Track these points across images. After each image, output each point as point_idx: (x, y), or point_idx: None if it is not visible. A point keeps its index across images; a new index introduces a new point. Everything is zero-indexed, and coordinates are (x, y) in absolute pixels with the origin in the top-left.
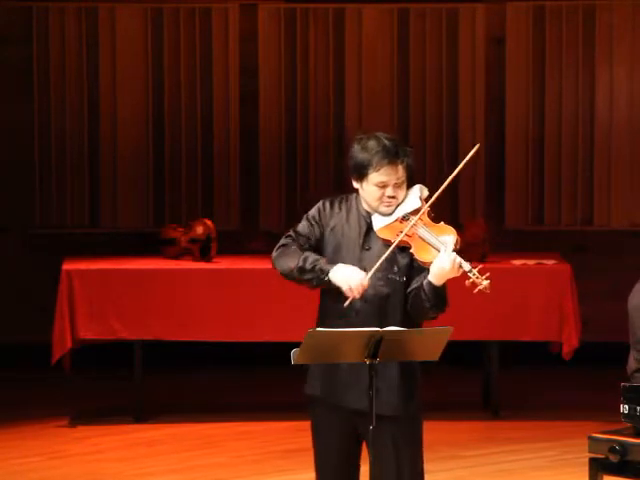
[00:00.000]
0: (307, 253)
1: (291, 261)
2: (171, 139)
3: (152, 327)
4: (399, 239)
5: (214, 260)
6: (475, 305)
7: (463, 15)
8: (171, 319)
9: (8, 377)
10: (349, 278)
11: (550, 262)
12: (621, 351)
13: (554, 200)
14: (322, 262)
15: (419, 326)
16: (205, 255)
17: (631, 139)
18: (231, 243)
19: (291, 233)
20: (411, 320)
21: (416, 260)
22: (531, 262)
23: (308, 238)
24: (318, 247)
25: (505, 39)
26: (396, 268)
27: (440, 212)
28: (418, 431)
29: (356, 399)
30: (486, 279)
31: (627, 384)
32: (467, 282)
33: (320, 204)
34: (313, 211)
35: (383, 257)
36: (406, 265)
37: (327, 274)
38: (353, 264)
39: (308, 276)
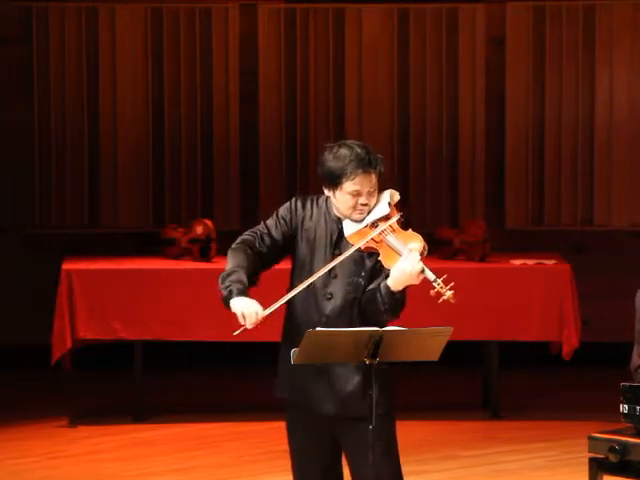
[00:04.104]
0: (239, 271)
1: (228, 264)
2: (171, 139)
3: (152, 327)
4: (361, 243)
5: (214, 260)
6: (475, 305)
7: (463, 15)
8: (171, 319)
9: (8, 377)
10: (244, 307)
11: (550, 262)
12: (621, 351)
13: (554, 200)
14: (237, 287)
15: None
16: (205, 255)
17: (631, 139)
18: (231, 243)
19: (258, 228)
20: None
21: (382, 267)
22: (531, 262)
23: (270, 235)
24: (284, 245)
25: (505, 39)
26: (363, 272)
27: (440, 212)
28: (390, 427)
29: (329, 405)
30: (450, 289)
31: (627, 384)
32: (432, 292)
33: (291, 203)
34: (283, 210)
35: (329, 265)
36: (371, 268)
37: (230, 297)
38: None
39: (221, 288)
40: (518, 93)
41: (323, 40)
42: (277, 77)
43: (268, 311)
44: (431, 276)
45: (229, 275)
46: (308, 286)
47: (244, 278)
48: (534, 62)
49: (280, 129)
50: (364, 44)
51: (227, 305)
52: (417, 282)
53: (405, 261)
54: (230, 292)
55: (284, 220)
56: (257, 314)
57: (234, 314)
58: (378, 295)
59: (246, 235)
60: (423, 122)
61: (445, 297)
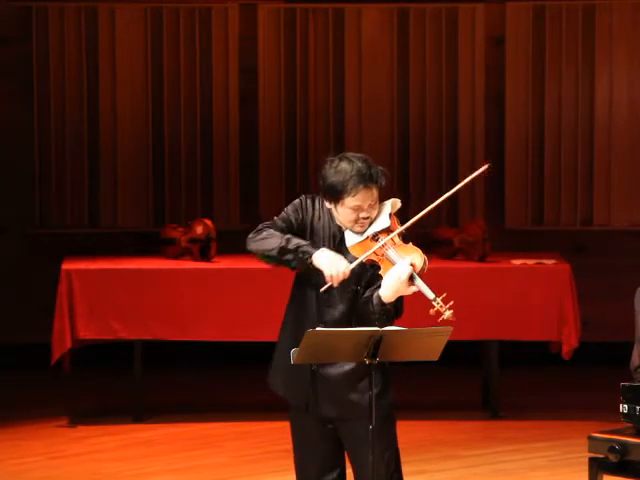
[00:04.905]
0: (290, 235)
1: (271, 242)
2: (171, 139)
3: (152, 327)
4: (363, 257)
5: (214, 260)
6: (475, 305)
7: (463, 15)
8: (171, 319)
9: (8, 377)
10: (334, 264)
11: (550, 262)
12: (621, 351)
13: (554, 200)
14: (305, 244)
15: None
16: (205, 255)
17: (631, 139)
18: (231, 243)
19: (273, 220)
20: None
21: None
22: (531, 262)
23: (287, 225)
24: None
25: (505, 39)
26: (363, 282)
27: (440, 212)
28: (390, 427)
29: (329, 407)
30: (449, 309)
31: (627, 384)
32: (431, 311)
33: (302, 201)
34: (294, 206)
35: (361, 258)
36: (370, 278)
37: (310, 256)
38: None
39: (289, 256)
40: (518, 93)
41: (323, 40)
42: (277, 77)
43: (352, 265)
44: (430, 295)
45: (288, 242)
46: (311, 292)
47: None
48: (534, 62)
49: (280, 129)
50: (364, 44)
51: (304, 265)
52: (407, 292)
53: (395, 268)
54: (305, 252)
55: (296, 214)
56: (345, 273)
57: (235, 313)
58: (370, 305)
59: (260, 226)
60: (423, 122)
61: (444, 317)
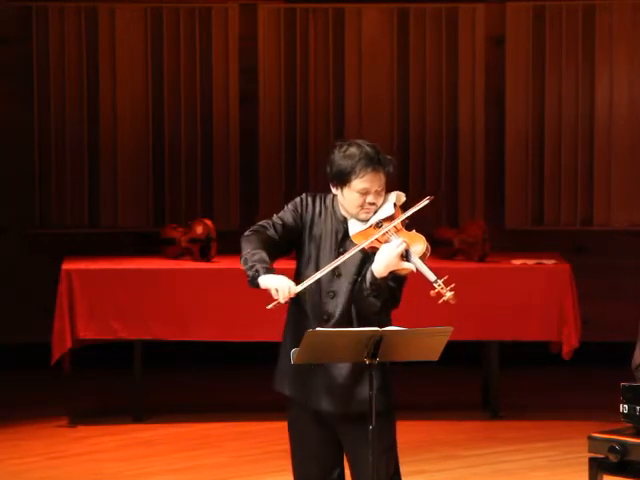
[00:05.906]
0: (261, 251)
1: (247, 247)
2: (171, 139)
3: (152, 327)
4: (365, 243)
5: (214, 260)
6: (475, 305)
7: (463, 15)
8: (171, 319)
9: (8, 377)
10: (277, 283)
11: (550, 262)
12: (621, 351)
13: (554, 200)
14: (262, 266)
15: (375, 322)
16: (205, 255)
17: (631, 139)
18: (231, 243)
19: (271, 219)
20: (374, 320)
21: None
22: (531, 262)
23: (283, 225)
24: (295, 237)
25: (505, 39)
26: (364, 272)
27: (440, 212)
28: (390, 427)
29: (329, 403)
30: (450, 290)
31: (627, 384)
32: (432, 292)
33: (302, 199)
34: (294, 204)
35: (334, 263)
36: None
37: (258, 276)
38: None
39: (246, 268)
40: (518, 93)
41: (323, 40)
42: (277, 77)
43: (300, 287)
44: (432, 276)
45: (253, 256)
46: (314, 283)
47: (267, 258)
48: (534, 62)
49: (280, 129)
50: (364, 44)
51: (254, 285)
52: (398, 266)
53: (390, 244)
54: (257, 271)
55: (295, 213)
56: (290, 289)
57: (235, 313)
58: (364, 283)
59: (258, 225)
60: (423, 122)
61: (445, 298)
